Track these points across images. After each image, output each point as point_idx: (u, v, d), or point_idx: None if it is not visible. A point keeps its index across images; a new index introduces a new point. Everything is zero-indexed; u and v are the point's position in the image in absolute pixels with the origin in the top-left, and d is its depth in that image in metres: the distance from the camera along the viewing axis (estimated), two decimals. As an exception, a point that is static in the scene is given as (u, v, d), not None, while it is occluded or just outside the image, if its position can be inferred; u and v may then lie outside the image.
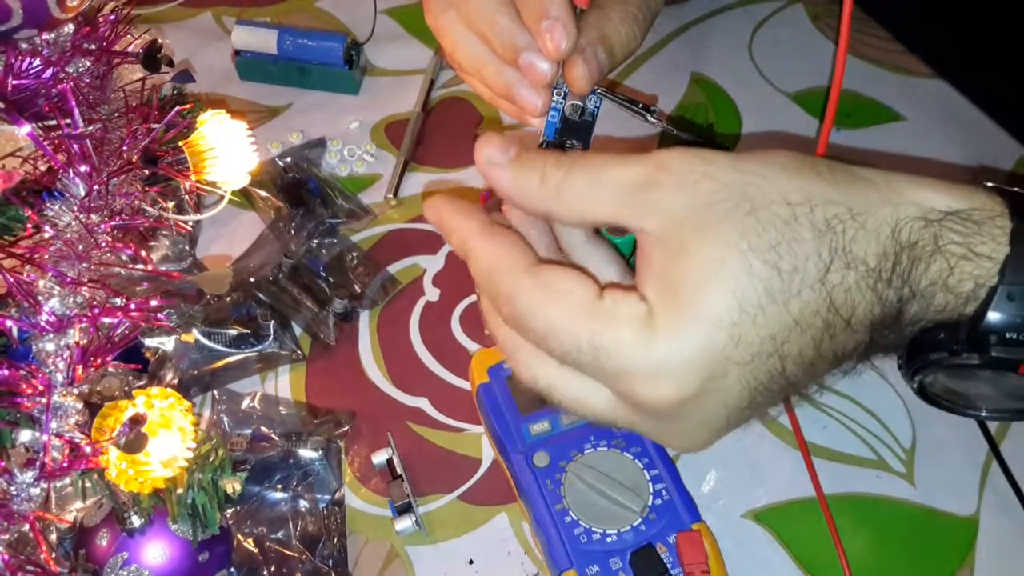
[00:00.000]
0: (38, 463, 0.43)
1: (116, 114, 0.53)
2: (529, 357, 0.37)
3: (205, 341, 0.60)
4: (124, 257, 0.49)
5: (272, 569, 0.52)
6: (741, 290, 0.32)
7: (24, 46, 0.50)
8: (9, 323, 0.45)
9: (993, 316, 0.34)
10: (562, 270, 0.36)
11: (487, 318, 0.40)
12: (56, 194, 0.48)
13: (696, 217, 0.33)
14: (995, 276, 0.34)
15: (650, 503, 0.50)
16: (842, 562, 0.52)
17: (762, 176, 0.34)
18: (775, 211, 0.33)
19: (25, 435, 0.44)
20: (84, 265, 0.47)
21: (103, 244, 0.48)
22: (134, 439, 0.43)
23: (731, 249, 0.33)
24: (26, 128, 0.47)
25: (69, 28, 0.52)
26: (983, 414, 0.41)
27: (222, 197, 0.58)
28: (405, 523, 0.54)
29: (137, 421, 0.43)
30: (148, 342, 0.59)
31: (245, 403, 0.59)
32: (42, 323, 0.45)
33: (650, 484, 0.51)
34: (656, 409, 0.34)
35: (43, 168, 0.50)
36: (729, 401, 0.34)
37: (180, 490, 0.45)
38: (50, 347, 0.45)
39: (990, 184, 0.36)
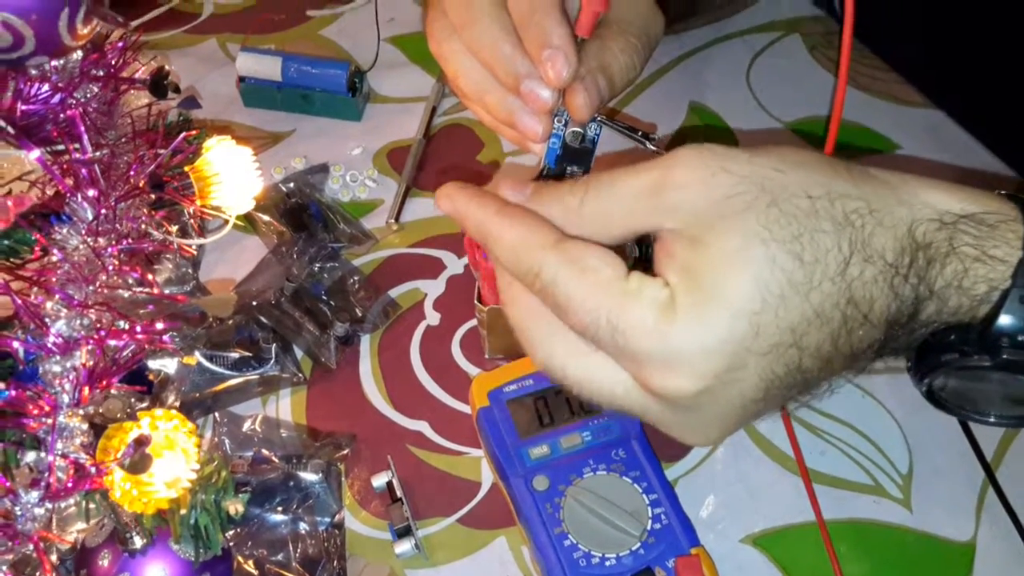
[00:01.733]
0: (43, 483, 0.43)
1: (123, 139, 0.54)
2: (552, 338, 0.37)
3: (207, 364, 0.61)
4: (130, 280, 0.50)
5: (272, 591, 0.52)
6: (764, 280, 0.32)
7: (33, 72, 0.51)
8: (16, 344, 0.45)
9: (1005, 319, 0.34)
10: (590, 246, 0.36)
11: (505, 303, 0.39)
12: (64, 218, 0.49)
13: (716, 209, 0.34)
14: (1008, 279, 0.34)
15: (649, 527, 0.51)
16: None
17: (778, 170, 0.34)
18: (796, 203, 0.33)
19: (30, 455, 0.44)
20: (91, 288, 0.48)
21: (110, 267, 0.49)
22: (139, 460, 0.43)
23: (753, 239, 0.33)
24: (35, 153, 0.48)
25: (77, 55, 0.53)
26: (991, 420, 0.41)
27: (226, 221, 0.58)
28: (405, 546, 0.54)
29: (142, 442, 0.43)
30: (151, 364, 0.59)
31: (246, 425, 0.60)
32: (49, 345, 0.45)
33: (649, 508, 0.51)
34: (671, 399, 0.34)
35: (51, 192, 0.51)
36: (745, 392, 0.34)
37: (183, 511, 0.46)
38: (57, 368, 0.45)
39: (1003, 192, 0.36)
